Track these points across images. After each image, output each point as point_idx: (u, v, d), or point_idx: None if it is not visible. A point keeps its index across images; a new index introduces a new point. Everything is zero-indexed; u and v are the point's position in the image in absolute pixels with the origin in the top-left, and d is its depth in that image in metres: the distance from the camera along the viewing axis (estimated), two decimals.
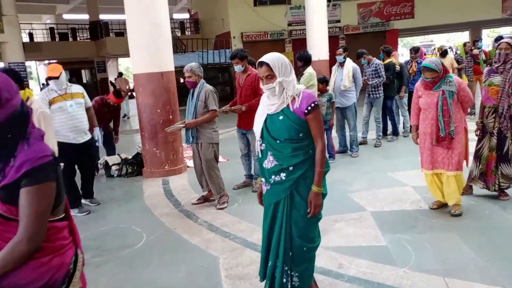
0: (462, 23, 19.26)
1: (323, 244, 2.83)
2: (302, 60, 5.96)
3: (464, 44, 9.49)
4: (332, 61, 9.11)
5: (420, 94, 3.89)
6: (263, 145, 2.42)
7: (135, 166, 6.40)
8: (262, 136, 2.43)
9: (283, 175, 2.37)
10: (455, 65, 8.81)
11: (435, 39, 37.66)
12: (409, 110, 8.17)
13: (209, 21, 19.81)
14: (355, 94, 6.69)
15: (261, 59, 2.32)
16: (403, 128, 8.14)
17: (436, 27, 20.22)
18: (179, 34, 20.79)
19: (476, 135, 4.22)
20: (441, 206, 4.10)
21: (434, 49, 19.23)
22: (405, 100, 7.95)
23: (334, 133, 6.81)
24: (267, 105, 2.39)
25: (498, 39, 5.83)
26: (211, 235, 3.93)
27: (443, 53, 8.96)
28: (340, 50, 6.53)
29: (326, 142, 2.59)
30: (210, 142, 4.53)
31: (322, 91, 6.05)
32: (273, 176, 2.39)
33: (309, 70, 5.91)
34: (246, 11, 17.46)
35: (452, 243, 3.44)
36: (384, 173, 5.52)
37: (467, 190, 4.38)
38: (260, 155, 2.47)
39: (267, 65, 2.28)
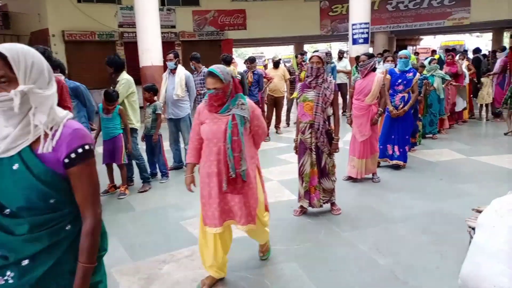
0: (288, 37, 20.80)
1: None
2: (112, 66, 5.08)
3: (296, 56, 9.89)
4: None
5: (203, 119, 2.80)
6: None
7: None
8: None
9: (9, 275, 1.37)
10: (287, 76, 9.06)
11: (265, 51, 40.56)
12: None
13: (22, 15, 16.82)
14: (189, 104, 6.12)
15: None
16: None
17: (266, 39, 21.38)
18: None
19: (295, 152, 4.17)
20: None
21: (265, 60, 20.21)
22: None
23: (167, 147, 6.10)
24: None
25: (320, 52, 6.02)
26: None
27: (276, 64, 9.12)
28: (171, 55, 5.84)
29: (99, 215, 1.47)
30: None
31: (149, 101, 5.26)
32: None
33: (125, 76, 5.09)
34: (68, 7, 15.33)
35: (294, 277, 3.08)
36: None
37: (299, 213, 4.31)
38: None
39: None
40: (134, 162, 5.40)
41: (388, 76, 5.81)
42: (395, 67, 6.73)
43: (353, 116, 5.19)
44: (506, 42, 24.04)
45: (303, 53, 10.19)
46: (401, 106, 5.72)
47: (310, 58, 3.91)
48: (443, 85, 7.66)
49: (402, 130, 5.80)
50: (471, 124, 9.27)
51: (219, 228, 2.81)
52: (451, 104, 8.35)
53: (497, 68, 9.58)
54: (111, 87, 5.06)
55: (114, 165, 5.19)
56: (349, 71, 11.14)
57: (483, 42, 42.75)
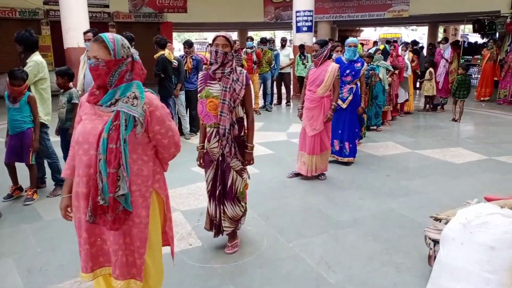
0: (231, 23, 20.11)
1: None
2: (21, 44, 4.19)
3: (234, 42, 9.27)
4: None
5: (82, 114, 2.03)
6: None
7: None
8: None
9: None
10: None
11: (210, 36, 39.31)
12: (187, 108, 7.38)
13: None
14: None
15: None
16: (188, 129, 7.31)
17: (208, 24, 20.55)
18: None
19: (199, 165, 3.11)
20: None
21: (208, 45, 19.31)
22: (182, 98, 7.12)
23: None
24: None
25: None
26: None
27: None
28: (90, 34, 5.02)
29: None
30: None
31: (63, 88, 4.43)
32: None
33: (35, 57, 4.21)
34: None
35: None
36: None
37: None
38: None
39: None
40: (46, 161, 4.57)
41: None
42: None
43: (305, 108, 4.75)
44: (440, 36, 25.12)
45: (248, 39, 9.61)
46: (349, 98, 5.35)
47: (214, 40, 2.89)
48: (387, 76, 7.47)
49: (351, 124, 5.45)
50: (413, 116, 9.27)
51: (90, 274, 2.00)
52: (394, 95, 8.23)
53: (448, 57, 9.67)
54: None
55: (18, 164, 4.33)
56: (292, 60, 10.77)
57: (417, 35, 44.82)
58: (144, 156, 1.98)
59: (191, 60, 7.29)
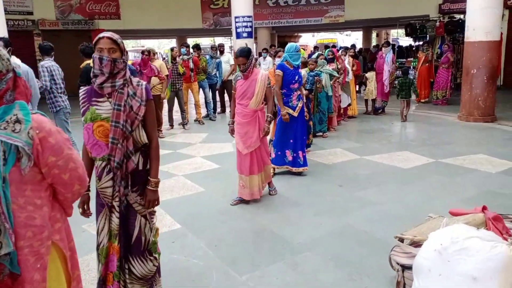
0: (168, 29, 19.44)
1: None
2: None
3: (172, 49, 8.76)
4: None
5: None
6: None
7: None
8: None
9: None
10: (166, 72, 7.91)
11: (146, 44, 38.02)
12: None
13: None
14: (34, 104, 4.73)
15: None
16: None
17: (143, 31, 19.76)
18: None
19: (81, 213, 2.30)
20: None
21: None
22: None
23: None
24: None
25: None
26: None
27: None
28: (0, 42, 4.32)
29: None
30: None
31: None
32: None
33: None
34: None
35: None
36: None
37: None
38: None
39: None
40: None
41: (279, 72, 5.04)
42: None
43: (237, 124, 4.20)
44: (374, 40, 26.12)
45: (186, 46, 9.10)
46: (299, 105, 5.07)
47: (96, 43, 2.22)
48: (331, 82, 7.35)
49: (303, 132, 5.21)
50: (358, 120, 9.27)
51: None
52: (338, 101, 8.15)
53: (389, 63, 9.72)
54: None
55: None
56: (233, 66, 10.44)
57: (352, 40, 46.58)
58: (36, 199, 1.50)
59: None
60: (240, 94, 4.12)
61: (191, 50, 9.29)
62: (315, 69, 6.64)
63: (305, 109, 5.30)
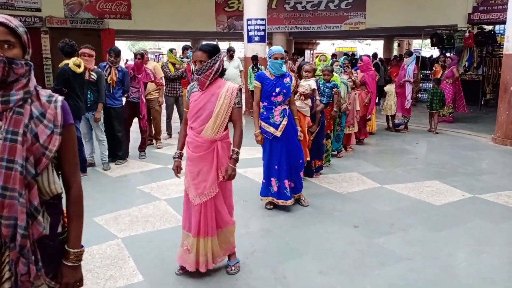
0: (180, 32, 18.70)
1: None
2: None
3: (171, 51, 7.93)
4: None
5: None
6: None
7: None
8: None
9: None
10: (161, 74, 7.07)
11: (165, 46, 37.17)
12: (106, 132, 5.93)
13: None
14: None
15: None
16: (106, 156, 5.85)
17: (155, 32, 19.02)
18: None
19: None
20: None
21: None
22: (102, 121, 5.71)
23: None
24: None
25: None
26: None
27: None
28: None
29: None
30: None
31: None
32: None
33: None
34: None
35: None
36: None
37: None
38: None
39: None
40: None
41: (256, 84, 4.09)
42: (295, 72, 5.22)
43: (187, 159, 2.86)
44: (395, 50, 24.99)
45: (188, 48, 8.28)
46: (283, 122, 4.06)
47: None
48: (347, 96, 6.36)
49: (290, 155, 4.15)
50: (377, 137, 8.25)
51: None
52: (360, 115, 7.15)
53: (410, 75, 8.72)
54: None
55: None
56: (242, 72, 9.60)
57: (371, 49, 45.34)
58: None
59: (116, 71, 5.86)
60: (193, 113, 2.79)
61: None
62: (330, 79, 5.65)
63: (299, 128, 4.25)
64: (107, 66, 5.90)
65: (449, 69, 9.96)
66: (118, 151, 6.04)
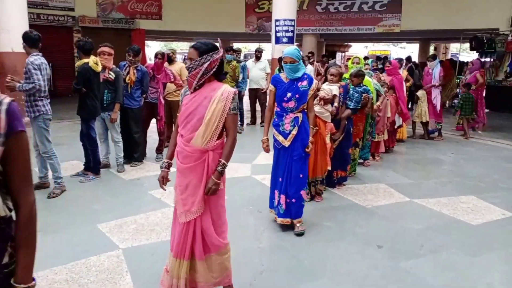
0: (210, 32, 18.58)
1: None
2: None
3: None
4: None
5: None
6: None
7: None
8: None
9: None
10: (184, 74, 6.85)
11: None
12: (122, 133, 5.79)
13: None
14: None
15: None
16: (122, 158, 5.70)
17: (185, 33, 19.00)
18: None
19: None
20: None
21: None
22: (118, 122, 5.58)
23: None
24: None
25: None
26: None
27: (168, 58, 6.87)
28: None
29: None
30: None
31: None
32: None
33: None
34: None
35: None
36: None
37: None
38: None
39: None
40: None
41: (271, 87, 3.78)
42: (321, 72, 4.87)
43: (177, 170, 2.51)
44: (431, 53, 24.00)
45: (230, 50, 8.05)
46: (293, 132, 3.62)
47: None
48: (378, 103, 5.91)
49: (297, 169, 3.68)
50: (407, 145, 7.74)
51: None
52: (390, 122, 6.69)
53: (437, 79, 8.17)
54: None
55: None
56: (269, 74, 9.28)
57: (406, 53, 44.00)
58: None
59: (135, 71, 5.70)
60: (182, 118, 2.46)
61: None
62: (361, 83, 5.21)
63: (311, 139, 3.70)
64: (126, 65, 5.75)
65: (471, 74, 9.28)
66: (134, 152, 5.87)
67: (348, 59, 15.70)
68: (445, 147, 7.57)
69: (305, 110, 3.75)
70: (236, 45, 26.24)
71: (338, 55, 24.50)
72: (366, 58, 15.27)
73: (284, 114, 3.68)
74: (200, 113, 2.38)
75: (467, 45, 15.05)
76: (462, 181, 5.48)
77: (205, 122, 2.37)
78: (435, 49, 25.62)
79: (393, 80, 6.95)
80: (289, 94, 3.61)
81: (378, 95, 6.02)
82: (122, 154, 5.69)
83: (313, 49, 16.74)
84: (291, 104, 3.63)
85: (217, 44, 2.53)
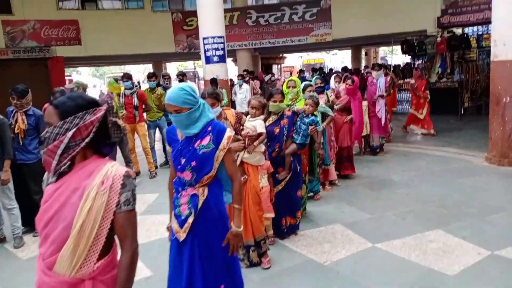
0: (137, 55, 17.44)
1: None
2: None
3: (115, 80, 6.69)
4: None
5: None
6: None
7: None
8: None
9: None
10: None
11: (131, 70, 35.44)
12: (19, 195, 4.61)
13: None
14: None
15: None
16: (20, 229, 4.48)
17: (112, 57, 17.72)
18: None
19: None
20: None
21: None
22: (11, 184, 4.44)
23: None
24: None
25: None
26: None
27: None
28: None
29: None
30: None
31: None
32: None
33: None
34: None
35: None
36: None
37: None
38: None
39: None
40: None
41: (169, 148, 2.68)
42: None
43: None
44: (363, 60, 24.42)
45: (127, 77, 6.96)
46: (189, 221, 2.32)
47: None
48: (323, 124, 5.23)
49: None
50: (356, 166, 7.14)
51: None
52: (336, 147, 6.05)
53: (382, 90, 7.69)
54: None
55: None
56: None
57: (338, 59, 44.95)
58: None
59: (23, 117, 4.58)
60: (41, 226, 1.57)
61: (136, 81, 7.25)
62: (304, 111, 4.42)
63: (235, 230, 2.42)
64: (14, 111, 4.62)
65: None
66: (31, 219, 4.71)
67: (283, 83, 15.16)
68: (394, 164, 7.10)
69: (218, 181, 2.43)
70: (169, 66, 25.09)
71: (274, 67, 24.20)
72: (301, 71, 14.76)
73: (180, 188, 2.40)
74: (66, 218, 1.49)
75: (396, 47, 15.16)
76: (423, 209, 4.90)
77: (74, 234, 1.47)
78: (366, 54, 26.15)
79: (351, 101, 6.20)
80: (182, 160, 2.35)
81: (325, 116, 5.36)
82: (19, 224, 4.53)
83: (248, 64, 16.14)
84: (187, 176, 2.33)
85: (101, 99, 1.64)
